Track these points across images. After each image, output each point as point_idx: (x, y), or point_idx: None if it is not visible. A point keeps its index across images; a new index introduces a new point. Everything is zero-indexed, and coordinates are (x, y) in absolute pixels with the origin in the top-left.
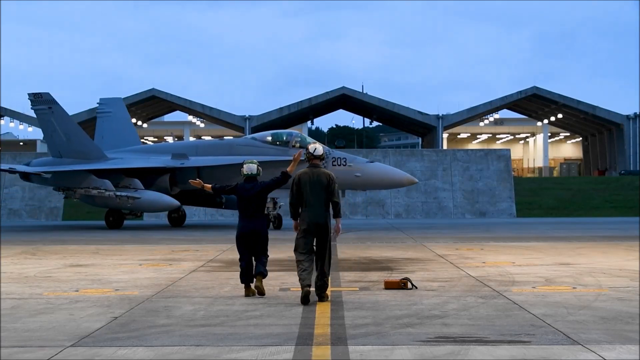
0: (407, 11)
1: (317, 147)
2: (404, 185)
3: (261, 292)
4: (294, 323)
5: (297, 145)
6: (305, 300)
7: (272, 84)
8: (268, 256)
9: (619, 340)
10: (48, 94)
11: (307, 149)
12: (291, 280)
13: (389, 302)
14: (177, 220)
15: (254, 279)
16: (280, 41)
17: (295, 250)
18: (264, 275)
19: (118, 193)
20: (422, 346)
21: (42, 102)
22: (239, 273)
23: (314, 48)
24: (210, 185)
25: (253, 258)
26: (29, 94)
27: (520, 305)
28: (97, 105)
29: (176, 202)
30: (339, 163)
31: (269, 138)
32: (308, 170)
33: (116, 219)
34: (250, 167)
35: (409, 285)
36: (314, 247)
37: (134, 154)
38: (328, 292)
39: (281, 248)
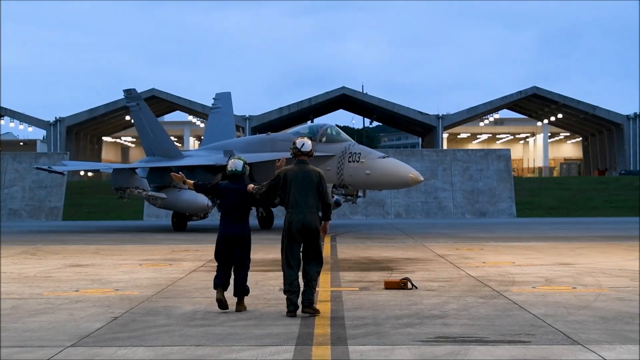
0: (409, 11)
1: (305, 142)
2: (409, 184)
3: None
4: (294, 323)
5: (324, 140)
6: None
7: (273, 84)
8: (250, 262)
9: (619, 340)
10: (134, 90)
11: (294, 143)
12: None
13: (389, 302)
14: (264, 221)
15: (237, 301)
16: (282, 41)
17: (282, 259)
18: (247, 293)
19: (150, 193)
20: (422, 346)
21: (132, 98)
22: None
23: (316, 48)
24: (192, 182)
25: (233, 267)
26: (123, 91)
27: (520, 305)
28: (213, 100)
29: (204, 203)
30: (354, 159)
31: (305, 131)
32: (295, 167)
33: (180, 221)
34: (235, 164)
35: (409, 285)
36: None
37: (203, 152)
38: (326, 293)
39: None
